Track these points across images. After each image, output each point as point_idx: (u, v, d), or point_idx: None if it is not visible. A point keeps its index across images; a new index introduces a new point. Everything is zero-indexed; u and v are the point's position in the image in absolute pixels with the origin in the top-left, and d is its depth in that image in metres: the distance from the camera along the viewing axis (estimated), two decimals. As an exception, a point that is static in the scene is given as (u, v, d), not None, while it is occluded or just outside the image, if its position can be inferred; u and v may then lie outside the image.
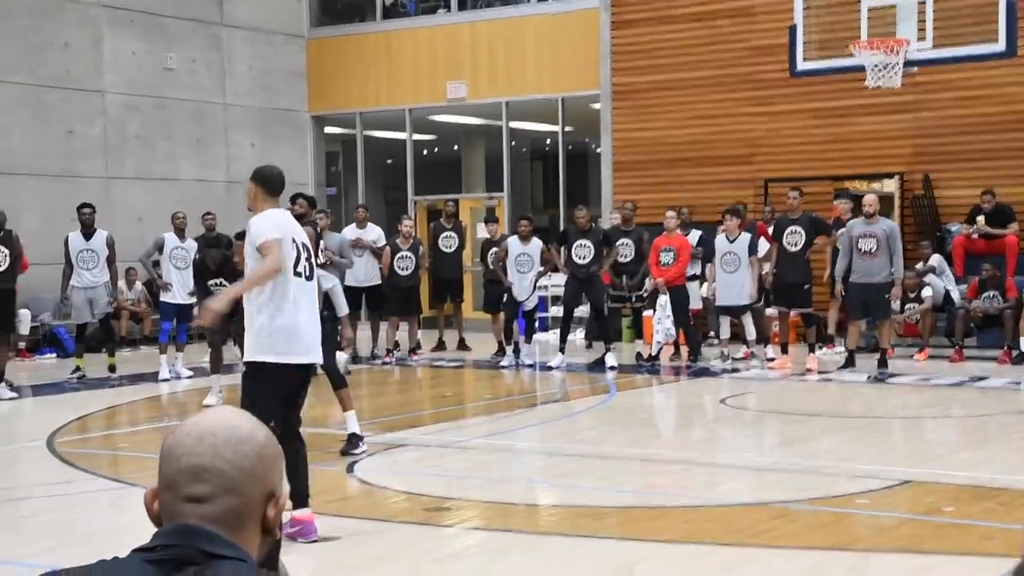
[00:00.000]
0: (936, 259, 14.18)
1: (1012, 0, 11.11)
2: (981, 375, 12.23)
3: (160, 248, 13.19)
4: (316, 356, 5.89)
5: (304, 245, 5.80)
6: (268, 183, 5.80)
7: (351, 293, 13.60)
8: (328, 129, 20.88)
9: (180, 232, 13.26)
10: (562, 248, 13.90)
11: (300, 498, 5.93)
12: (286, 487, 4.86)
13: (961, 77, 14.56)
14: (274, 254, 5.58)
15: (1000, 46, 11.31)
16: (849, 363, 12.71)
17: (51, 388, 12.64)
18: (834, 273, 13.03)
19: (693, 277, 14.09)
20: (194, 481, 1.62)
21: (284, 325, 5.64)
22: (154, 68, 18.02)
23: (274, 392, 5.60)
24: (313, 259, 5.91)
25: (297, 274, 5.70)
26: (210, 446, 1.64)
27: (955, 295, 13.91)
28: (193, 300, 12.75)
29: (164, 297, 13.14)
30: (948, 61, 12.84)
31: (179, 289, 12.95)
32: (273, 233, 5.59)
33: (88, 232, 12.91)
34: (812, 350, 13.11)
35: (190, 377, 13.00)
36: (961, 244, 14.45)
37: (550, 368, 13.55)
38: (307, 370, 5.87)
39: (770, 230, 13.70)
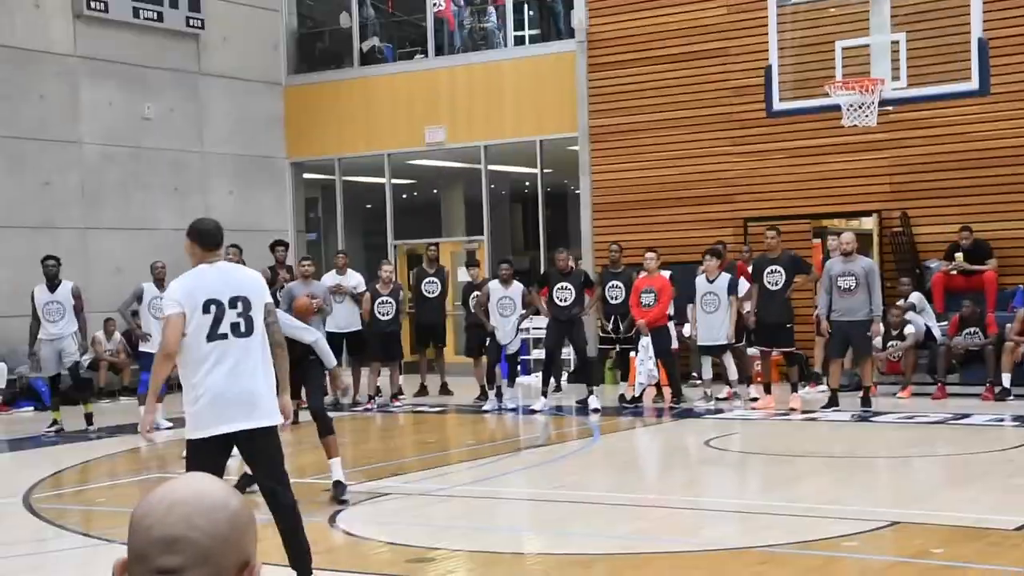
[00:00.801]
0: (916, 296, 14.22)
1: (983, 39, 11.21)
2: (964, 412, 12.21)
3: (139, 298, 13.08)
4: (252, 420, 5.53)
5: (237, 299, 5.52)
6: (203, 237, 5.67)
7: (332, 339, 13.56)
8: (307, 175, 20.87)
9: (159, 282, 13.16)
10: (542, 290, 13.87)
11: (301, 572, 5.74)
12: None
13: (936, 115, 14.68)
14: (165, 336, 5.49)
15: (973, 84, 11.39)
16: (832, 402, 12.68)
17: (29, 442, 12.48)
18: (819, 312, 13.04)
19: (670, 317, 14.07)
20: (165, 552, 1.56)
21: (204, 396, 5.45)
22: (131, 118, 18.00)
23: (217, 467, 5.41)
24: (254, 312, 5.57)
25: (219, 336, 5.46)
26: (181, 515, 1.57)
27: (936, 332, 13.93)
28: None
29: (143, 347, 13.01)
30: (923, 99, 12.94)
31: (158, 339, 12.81)
32: (172, 308, 5.46)
33: (52, 284, 12.83)
34: (795, 389, 13.09)
35: (170, 428, 12.85)
36: (940, 281, 14.50)
37: (533, 411, 13.47)
38: (240, 436, 5.56)
39: (749, 269, 13.72)
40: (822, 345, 13.68)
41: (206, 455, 5.45)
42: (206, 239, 5.68)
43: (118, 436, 12.60)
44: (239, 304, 5.54)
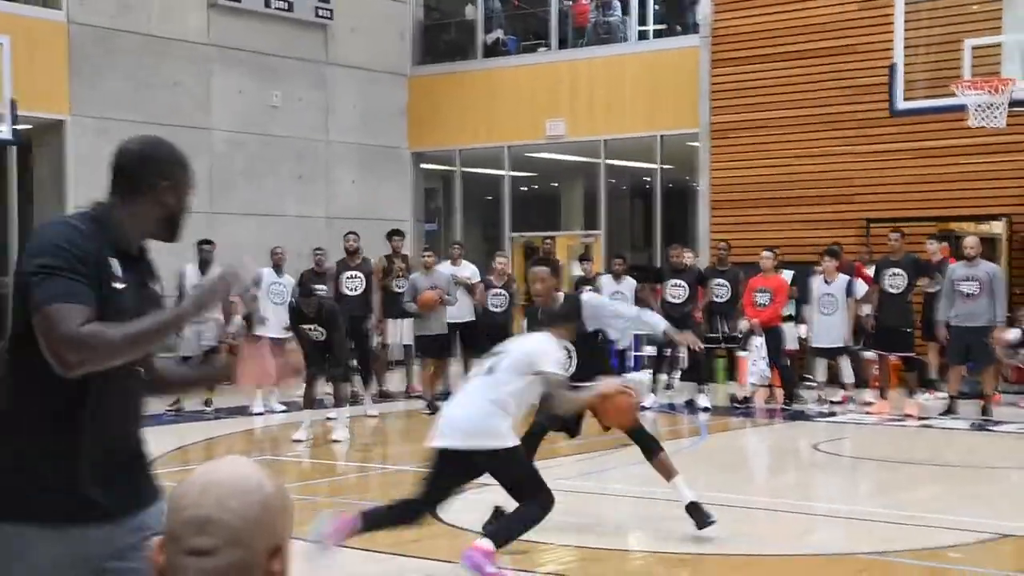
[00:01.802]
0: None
1: (1124, 38, 10.81)
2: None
3: (258, 283, 13.46)
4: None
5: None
6: None
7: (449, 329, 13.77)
8: (427, 165, 21.14)
9: (278, 267, 13.52)
10: (656, 287, 13.82)
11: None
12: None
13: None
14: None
15: (1109, 87, 10.99)
16: (951, 409, 12.38)
17: (148, 420, 12.92)
18: (937, 316, 12.73)
19: (789, 318, 13.89)
20: (197, 533, 1.57)
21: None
22: (260, 105, 18.47)
23: None
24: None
25: None
26: (215, 497, 1.59)
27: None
28: (289, 335, 12.98)
29: (258, 331, 13.37)
30: (1055, 101, 12.49)
31: (275, 323, 13.18)
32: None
33: (205, 268, 13.23)
34: (912, 395, 12.81)
35: (283, 411, 13.20)
36: (1071, 288, 14.01)
37: (643, 408, 13.43)
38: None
39: (871, 271, 13.46)
40: (936, 351, 13.35)
41: None
42: None
43: (234, 417, 12.98)
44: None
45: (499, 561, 5.87)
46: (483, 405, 5.93)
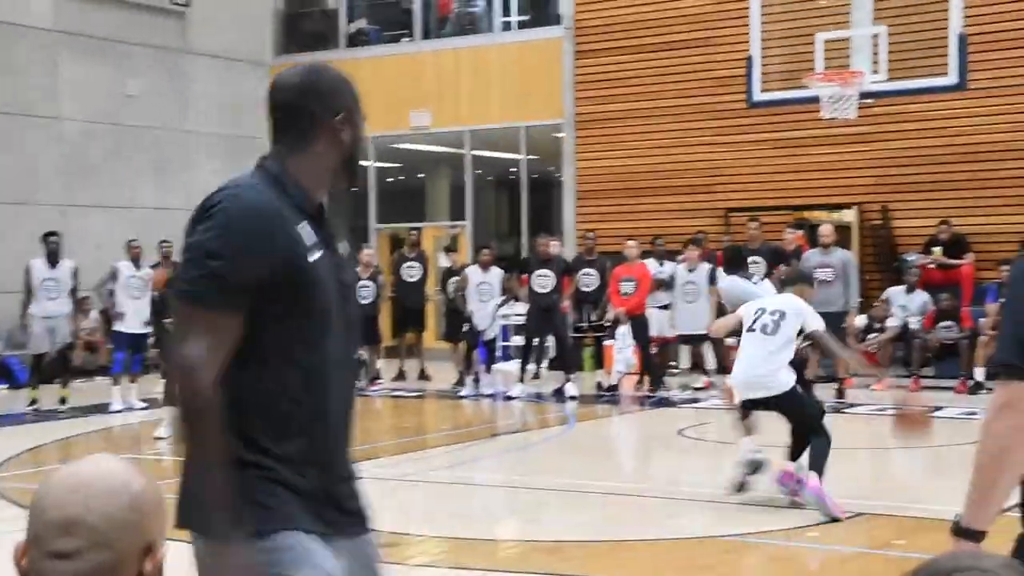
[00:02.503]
0: (891, 290, 14.29)
1: (963, 34, 11.27)
2: (938, 405, 12.30)
3: (114, 276, 13.06)
4: None
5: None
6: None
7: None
8: (291, 157, 20.79)
9: (135, 260, 13.13)
10: (523, 276, 13.91)
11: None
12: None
13: (917, 109, 14.75)
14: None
15: (952, 79, 11.46)
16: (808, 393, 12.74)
17: (1, 420, 12.47)
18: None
19: (666, 307, 14.02)
20: (61, 535, 1.51)
21: None
22: (114, 95, 17.93)
23: None
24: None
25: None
26: (80, 497, 1.52)
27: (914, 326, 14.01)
28: (149, 329, 12.64)
29: (118, 326, 12.99)
30: (901, 93, 12.99)
31: (134, 318, 12.82)
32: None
33: (54, 261, 12.78)
34: (772, 380, 13.14)
35: (144, 408, 12.86)
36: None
37: (511, 398, 13.52)
38: None
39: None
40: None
41: None
42: None
43: (91, 415, 12.58)
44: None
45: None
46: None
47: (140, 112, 18.27)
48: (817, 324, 7.49)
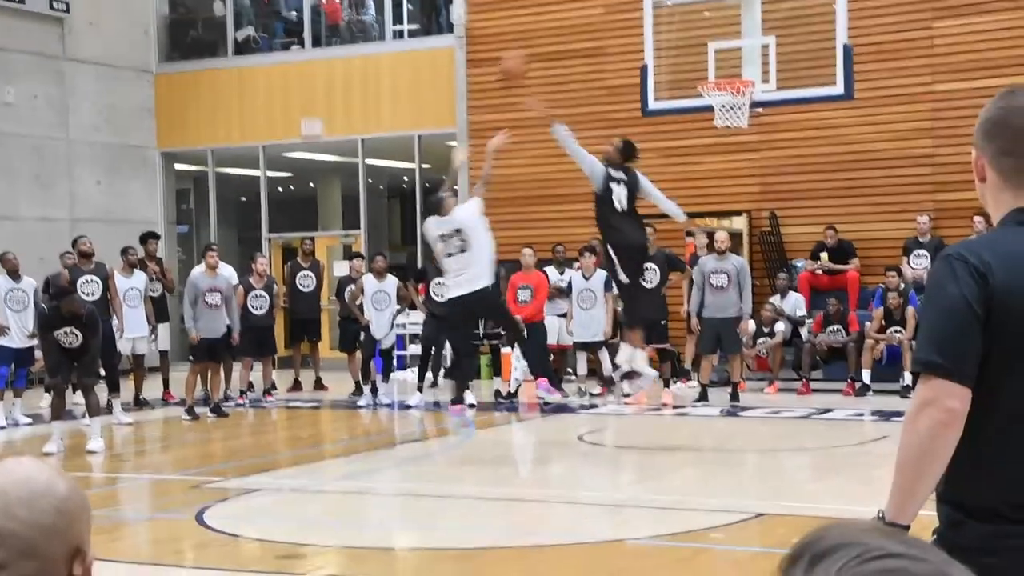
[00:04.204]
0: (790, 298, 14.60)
1: (848, 45, 11.54)
2: (827, 407, 12.58)
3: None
4: None
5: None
6: None
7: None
8: (179, 166, 20.40)
9: (14, 273, 12.68)
10: (420, 285, 13.81)
11: None
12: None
13: (805, 119, 15.06)
14: None
15: (839, 89, 11.71)
16: (703, 397, 12.93)
17: None
18: (690, 308, 13.27)
19: (564, 315, 14.10)
20: None
21: None
22: (-8, 102, 17.35)
23: None
24: None
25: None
26: (2, 507, 1.46)
27: (802, 329, 14.31)
28: (33, 343, 12.23)
29: (2, 341, 12.54)
30: (790, 103, 13.24)
31: (17, 332, 12.39)
32: None
33: None
34: (667, 385, 13.30)
35: (29, 424, 12.43)
36: (806, 279, 14.91)
37: (408, 407, 13.41)
38: None
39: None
40: (693, 342, 13.92)
41: None
42: None
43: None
44: None
45: None
46: None
47: (20, 120, 17.69)
48: None
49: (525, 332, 11.93)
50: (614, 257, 10.06)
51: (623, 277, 10.09)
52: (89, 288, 12.72)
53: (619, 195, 10.05)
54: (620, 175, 10.11)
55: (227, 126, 19.27)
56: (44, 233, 16.99)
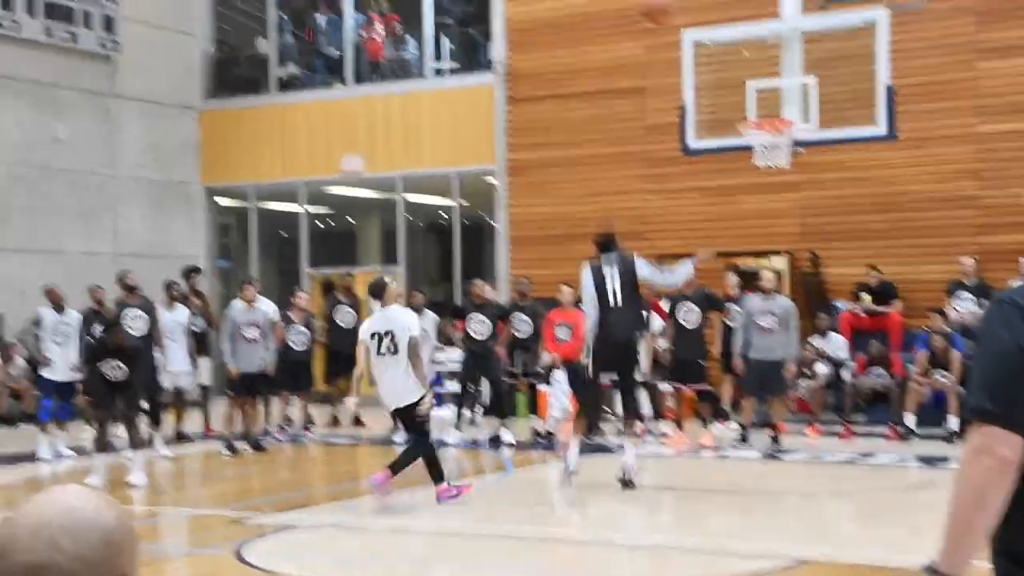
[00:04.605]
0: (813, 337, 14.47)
1: (891, 86, 11.50)
2: (870, 451, 12.42)
3: (38, 323, 12.76)
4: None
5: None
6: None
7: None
8: (221, 201, 20.61)
9: (58, 306, 12.82)
10: (457, 322, 13.82)
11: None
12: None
13: (846, 158, 15.00)
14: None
15: (881, 129, 11.67)
16: (744, 439, 12.81)
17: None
18: (730, 349, 13.16)
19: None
20: None
21: None
22: (41, 138, 17.62)
23: None
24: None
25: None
26: (47, 538, 1.42)
27: (843, 371, 14.16)
28: (77, 376, 12.34)
29: (44, 373, 12.67)
30: (831, 142, 13.19)
31: (61, 364, 12.51)
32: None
33: None
34: (707, 426, 13.19)
35: (72, 457, 12.52)
36: (848, 321, 14.77)
37: (446, 445, 13.38)
38: None
39: (666, 306, 13.83)
40: (731, 382, 13.81)
41: None
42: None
43: (17, 464, 12.20)
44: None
45: None
46: None
47: (68, 156, 17.96)
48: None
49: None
50: (590, 349, 9.89)
51: (588, 372, 9.99)
52: (136, 324, 12.71)
53: (613, 287, 9.91)
54: (610, 267, 10.01)
55: (269, 162, 19.46)
56: (88, 267, 17.18)
